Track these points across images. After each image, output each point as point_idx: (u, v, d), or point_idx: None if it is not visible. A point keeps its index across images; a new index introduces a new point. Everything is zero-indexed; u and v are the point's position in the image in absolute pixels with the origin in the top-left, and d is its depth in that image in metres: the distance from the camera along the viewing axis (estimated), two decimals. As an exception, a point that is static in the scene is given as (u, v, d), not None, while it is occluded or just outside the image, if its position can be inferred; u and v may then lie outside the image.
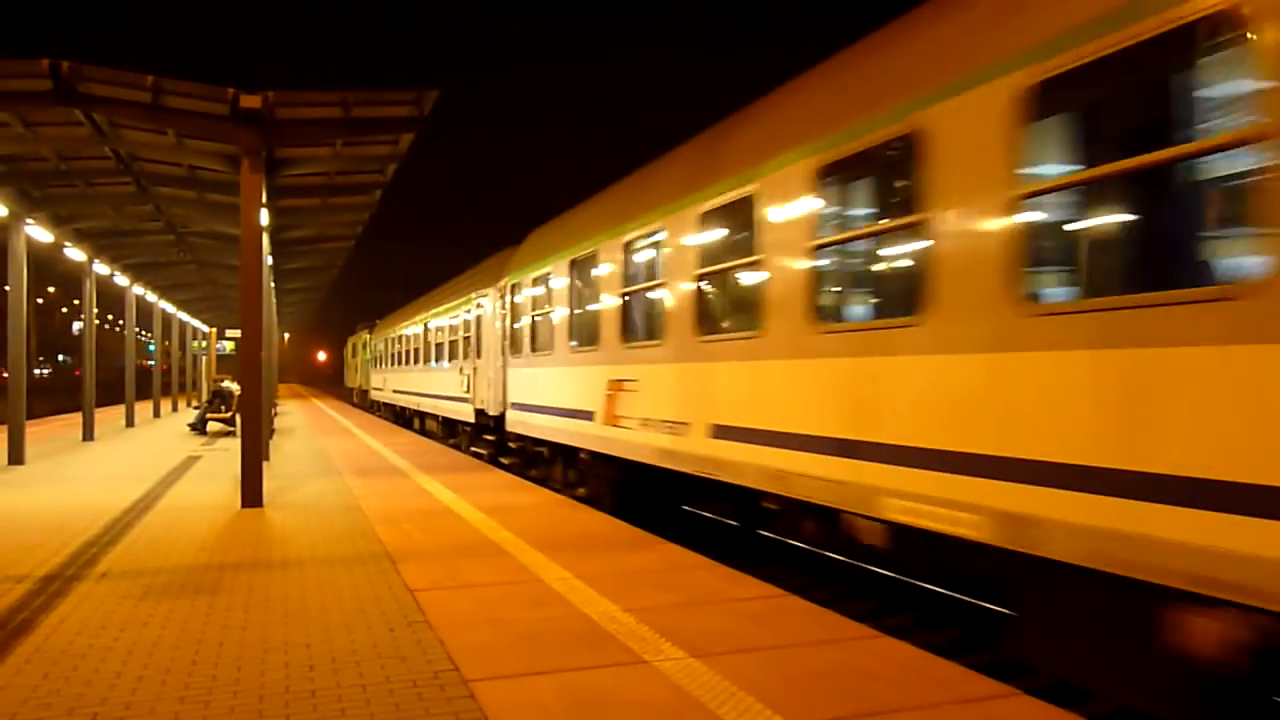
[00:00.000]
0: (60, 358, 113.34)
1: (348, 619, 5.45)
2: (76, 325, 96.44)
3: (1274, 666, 3.88)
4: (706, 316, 8.36)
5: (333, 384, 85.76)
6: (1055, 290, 5.08)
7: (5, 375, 15.27)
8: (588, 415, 11.20)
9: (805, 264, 6.62)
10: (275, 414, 25.70)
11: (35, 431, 21.16)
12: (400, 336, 29.89)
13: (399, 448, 18.11)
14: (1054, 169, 4.94)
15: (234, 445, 16.90)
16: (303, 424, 26.81)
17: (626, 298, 10.08)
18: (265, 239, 11.99)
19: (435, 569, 6.81)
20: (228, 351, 30.63)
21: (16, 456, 14.45)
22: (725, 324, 8.31)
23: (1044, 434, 4.55)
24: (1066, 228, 5.12)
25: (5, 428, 15.30)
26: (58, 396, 44.70)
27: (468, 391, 18.85)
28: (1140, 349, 4.06)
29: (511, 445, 15.81)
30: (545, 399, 13.08)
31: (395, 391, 31.04)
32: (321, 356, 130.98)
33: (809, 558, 10.17)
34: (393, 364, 32.12)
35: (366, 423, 27.98)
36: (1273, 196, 3.55)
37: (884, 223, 6.33)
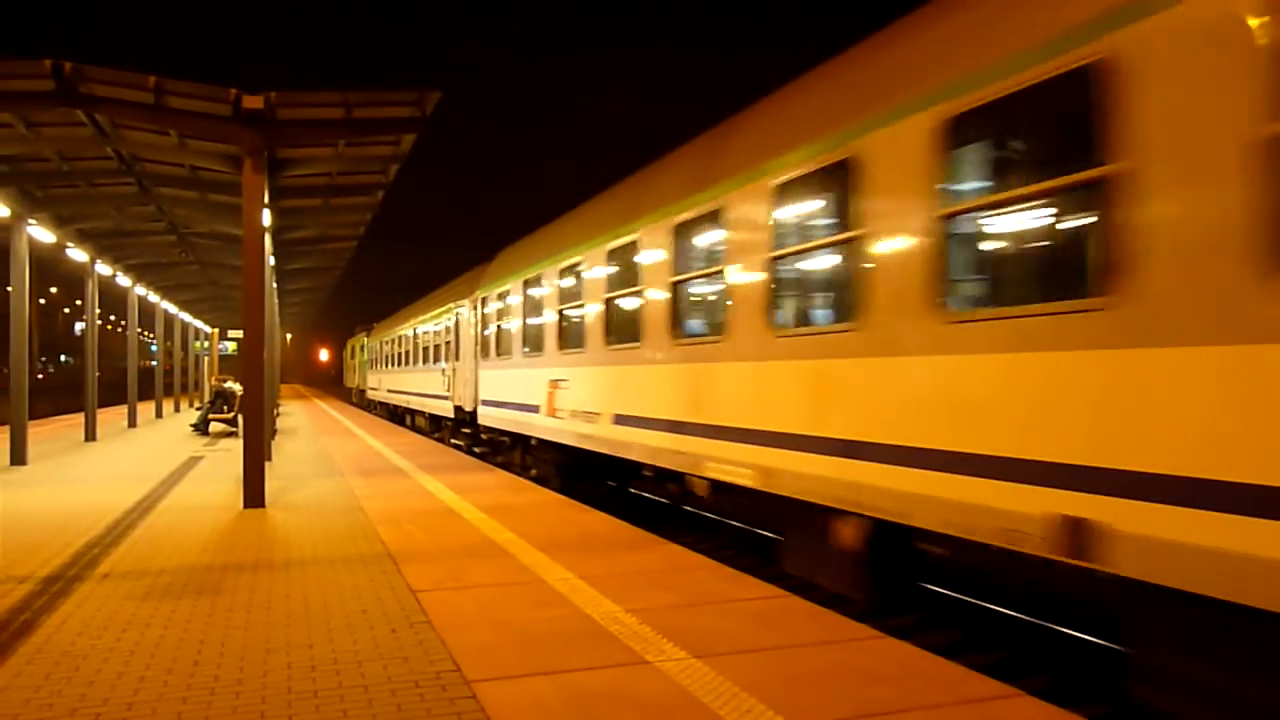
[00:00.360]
0: (62, 358, 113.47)
1: (350, 620, 5.46)
2: (79, 326, 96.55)
3: (881, 552, 6.45)
4: (611, 330, 10.84)
5: (335, 384, 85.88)
6: (785, 321, 7.41)
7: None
8: (535, 409, 13.67)
9: (665, 294, 9.12)
10: (277, 414, 25.73)
11: (37, 432, 21.21)
12: (392, 340, 32.54)
13: (400, 448, 18.12)
14: (788, 242, 7.24)
15: (236, 446, 16.92)
16: (305, 424, 26.83)
17: (562, 312, 12.62)
18: (267, 239, 12.00)
19: (437, 570, 6.81)
20: (230, 352, 30.60)
21: (19, 457, 14.48)
22: (622, 336, 10.47)
23: (780, 413, 7.09)
24: (792, 282, 7.56)
25: (7, 428, 15.32)
26: (59, 396, 44.75)
27: (448, 390, 21.15)
28: (822, 360, 6.57)
29: (484, 437, 18.17)
30: (506, 395, 15.69)
31: (389, 391, 33.54)
32: (324, 357, 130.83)
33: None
34: (386, 365, 34.77)
35: (368, 423, 28.00)
36: (855, 277, 6.19)
37: (707, 269, 8.58)
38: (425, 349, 24.68)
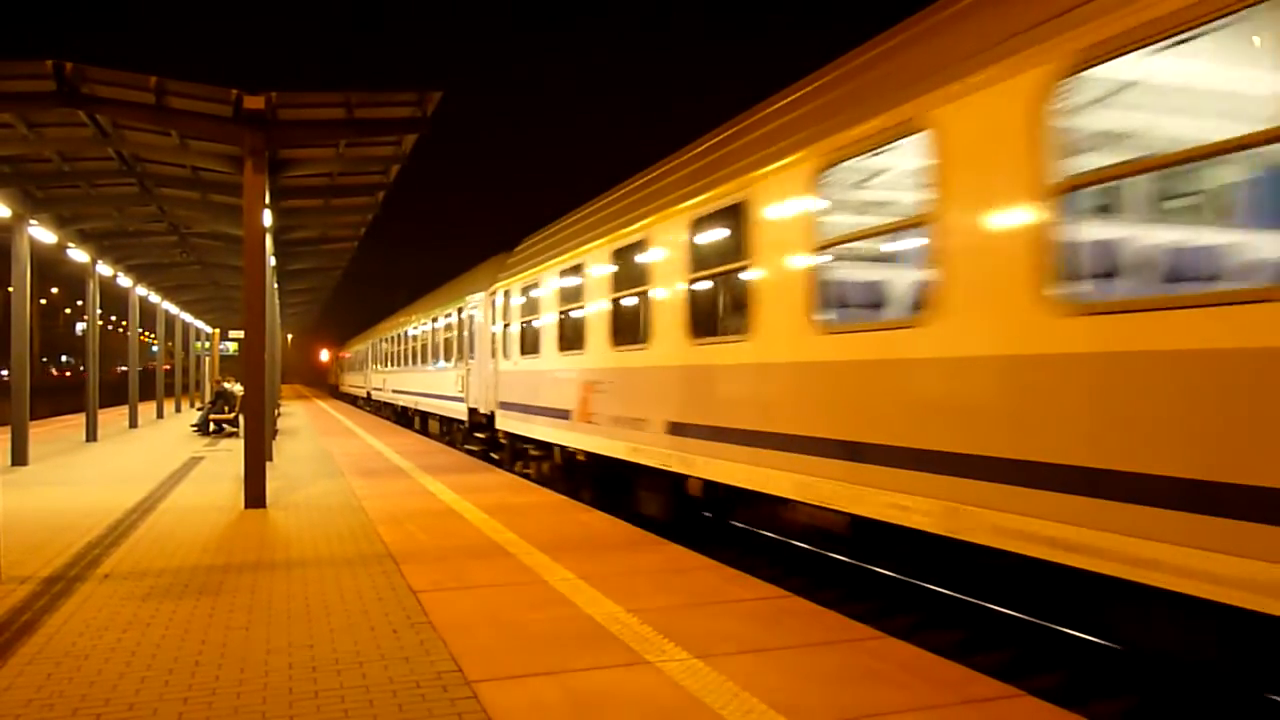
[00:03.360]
0: (63, 358, 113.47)
1: (351, 620, 5.45)
2: (80, 326, 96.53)
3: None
4: (391, 359, 33.19)
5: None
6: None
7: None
8: (381, 389, 36.13)
9: (403, 347, 27.79)
10: (278, 415, 25.76)
11: (38, 433, 21.20)
12: (350, 356, 57.49)
13: (401, 448, 18.12)
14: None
15: (237, 446, 16.89)
16: (305, 425, 26.84)
17: (388, 352, 34.38)
18: (268, 240, 11.99)
19: (438, 570, 6.81)
20: (231, 352, 30.61)
21: (20, 457, 14.48)
22: (396, 362, 31.26)
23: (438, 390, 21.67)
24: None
25: (8, 428, 15.32)
26: (59, 397, 44.68)
27: (366, 384, 43.34)
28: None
29: (375, 404, 39.15)
30: (379, 384, 36.81)
31: (349, 386, 55.61)
32: (325, 357, 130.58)
33: (811, 558, 10.16)
34: (345, 370, 60.77)
35: (368, 423, 28.01)
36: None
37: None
38: (360, 362, 47.98)
